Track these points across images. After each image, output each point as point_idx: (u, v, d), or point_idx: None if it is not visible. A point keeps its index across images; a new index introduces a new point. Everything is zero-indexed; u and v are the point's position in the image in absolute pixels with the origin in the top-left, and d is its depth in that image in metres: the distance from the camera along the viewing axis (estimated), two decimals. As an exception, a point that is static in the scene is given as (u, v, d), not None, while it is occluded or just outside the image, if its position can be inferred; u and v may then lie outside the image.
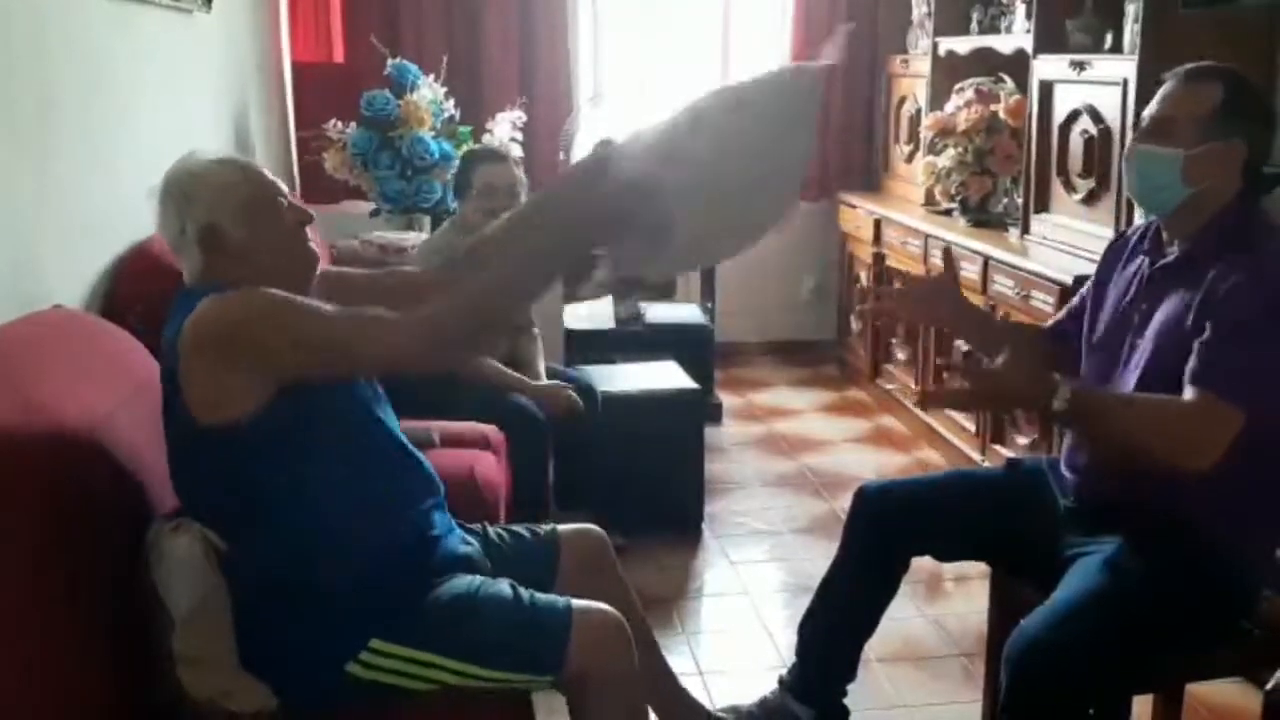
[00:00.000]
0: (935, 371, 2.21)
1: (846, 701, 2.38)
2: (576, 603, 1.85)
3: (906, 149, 5.11)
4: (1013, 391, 1.96)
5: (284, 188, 1.88)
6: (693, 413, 3.67)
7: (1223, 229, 1.97)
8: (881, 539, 2.28)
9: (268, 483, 1.72)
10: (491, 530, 2.11)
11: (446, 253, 3.26)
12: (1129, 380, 2.01)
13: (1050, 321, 2.39)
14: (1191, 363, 1.87)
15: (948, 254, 2.35)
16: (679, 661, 2.84)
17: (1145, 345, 2.00)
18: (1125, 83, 3.23)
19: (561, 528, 2.18)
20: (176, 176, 1.83)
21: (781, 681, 2.42)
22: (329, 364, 1.73)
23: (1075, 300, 2.30)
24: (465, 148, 4.20)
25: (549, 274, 1.83)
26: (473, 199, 3.26)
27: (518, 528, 2.15)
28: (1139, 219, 2.17)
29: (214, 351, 1.67)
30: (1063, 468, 2.15)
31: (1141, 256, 2.10)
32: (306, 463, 1.74)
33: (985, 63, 4.43)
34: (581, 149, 4.52)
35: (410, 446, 1.96)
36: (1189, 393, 1.86)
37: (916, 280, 2.30)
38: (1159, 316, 1.99)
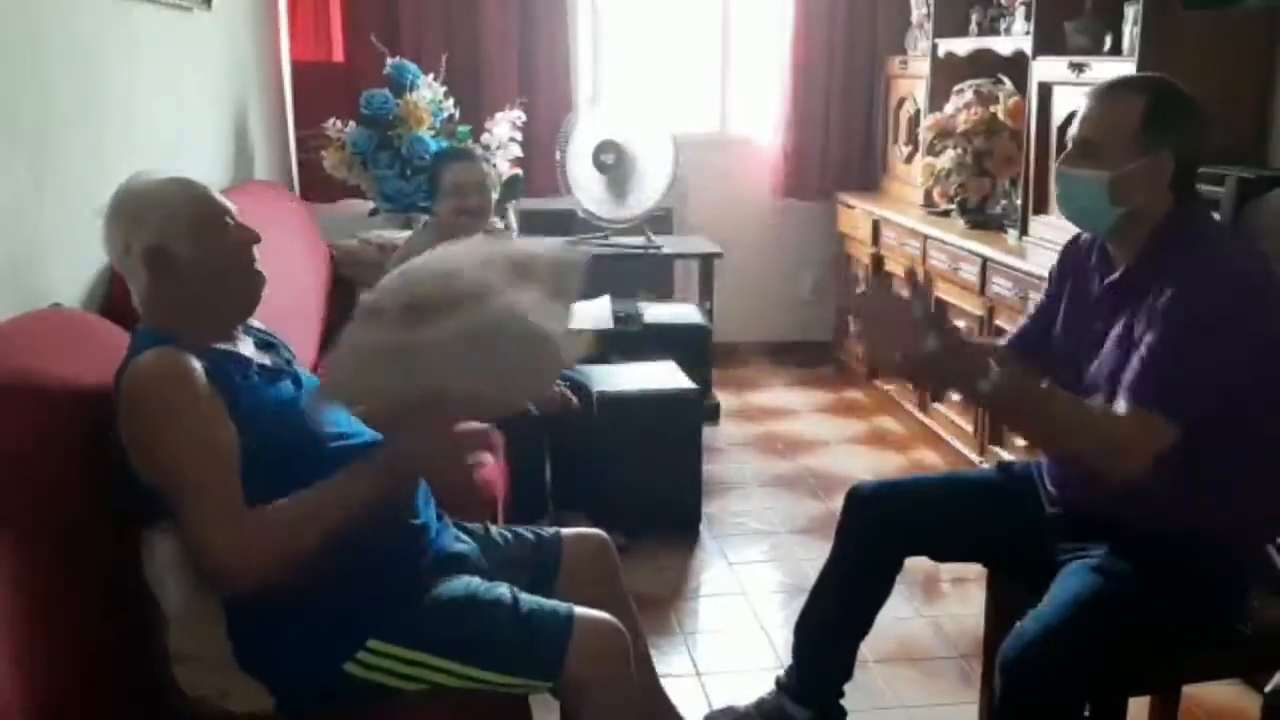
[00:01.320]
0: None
1: (843, 702, 2.39)
2: (578, 610, 1.85)
3: (905, 150, 5.11)
4: (948, 371, 1.89)
5: (232, 208, 1.89)
6: (690, 413, 3.67)
7: (1163, 243, 1.94)
8: (875, 539, 2.27)
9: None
10: (494, 530, 2.11)
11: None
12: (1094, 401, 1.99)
13: (1006, 338, 2.33)
14: (1127, 375, 1.86)
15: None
16: (677, 662, 2.85)
17: (1102, 367, 1.97)
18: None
19: (565, 531, 2.18)
20: (123, 197, 1.84)
21: (778, 682, 2.42)
22: (167, 493, 1.68)
23: (1032, 310, 2.26)
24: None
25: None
26: (444, 199, 3.28)
27: (521, 529, 2.15)
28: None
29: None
30: (1045, 477, 2.15)
31: (1093, 273, 2.07)
32: (268, 488, 1.73)
33: (984, 64, 4.43)
34: (577, 148, 4.51)
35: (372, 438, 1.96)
36: (1121, 404, 1.85)
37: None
38: (1111, 338, 1.97)
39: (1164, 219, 1.95)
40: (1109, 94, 1.97)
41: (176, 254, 1.80)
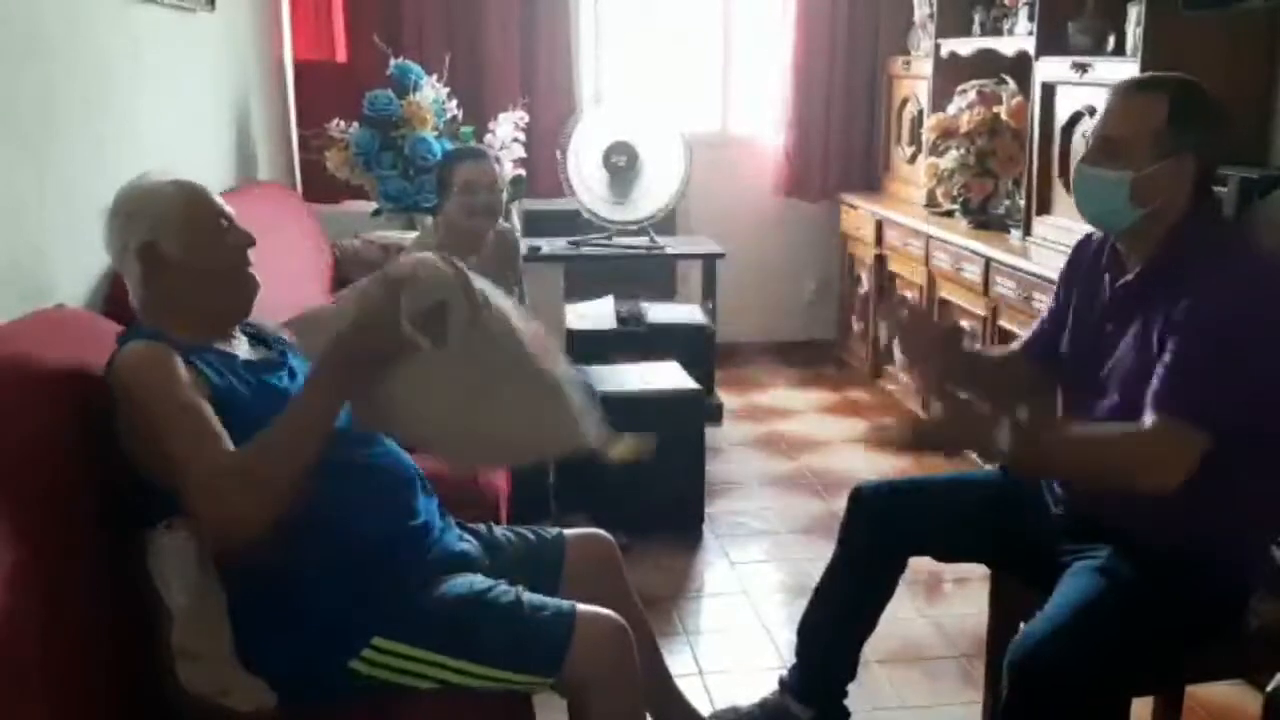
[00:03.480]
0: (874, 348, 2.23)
1: (846, 703, 2.38)
2: (581, 607, 1.86)
3: (908, 150, 5.11)
4: (952, 439, 1.93)
5: (228, 210, 1.90)
6: (693, 413, 3.68)
7: (1179, 246, 1.92)
8: (878, 539, 2.27)
9: None
10: (497, 530, 2.12)
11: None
12: (1106, 406, 1.98)
13: (1020, 342, 2.33)
14: (1152, 385, 1.84)
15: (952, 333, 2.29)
16: (679, 661, 2.84)
17: (1117, 370, 1.97)
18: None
19: (568, 531, 2.18)
20: (121, 196, 1.87)
21: (782, 682, 2.42)
22: (160, 470, 1.68)
23: (1045, 314, 2.24)
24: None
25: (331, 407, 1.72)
26: (454, 197, 3.27)
27: (523, 530, 2.15)
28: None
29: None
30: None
31: (1103, 274, 2.05)
32: None
33: (987, 64, 4.43)
34: (582, 149, 4.51)
35: (385, 442, 1.97)
36: (1148, 417, 1.83)
37: (922, 320, 2.25)
38: (1126, 340, 1.96)
39: (1180, 221, 1.93)
40: (1132, 92, 1.95)
41: (167, 253, 1.83)
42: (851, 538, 2.31)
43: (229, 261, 1.88)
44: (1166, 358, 1.84)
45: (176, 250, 1.83)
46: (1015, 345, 2.36)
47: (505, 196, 3.48)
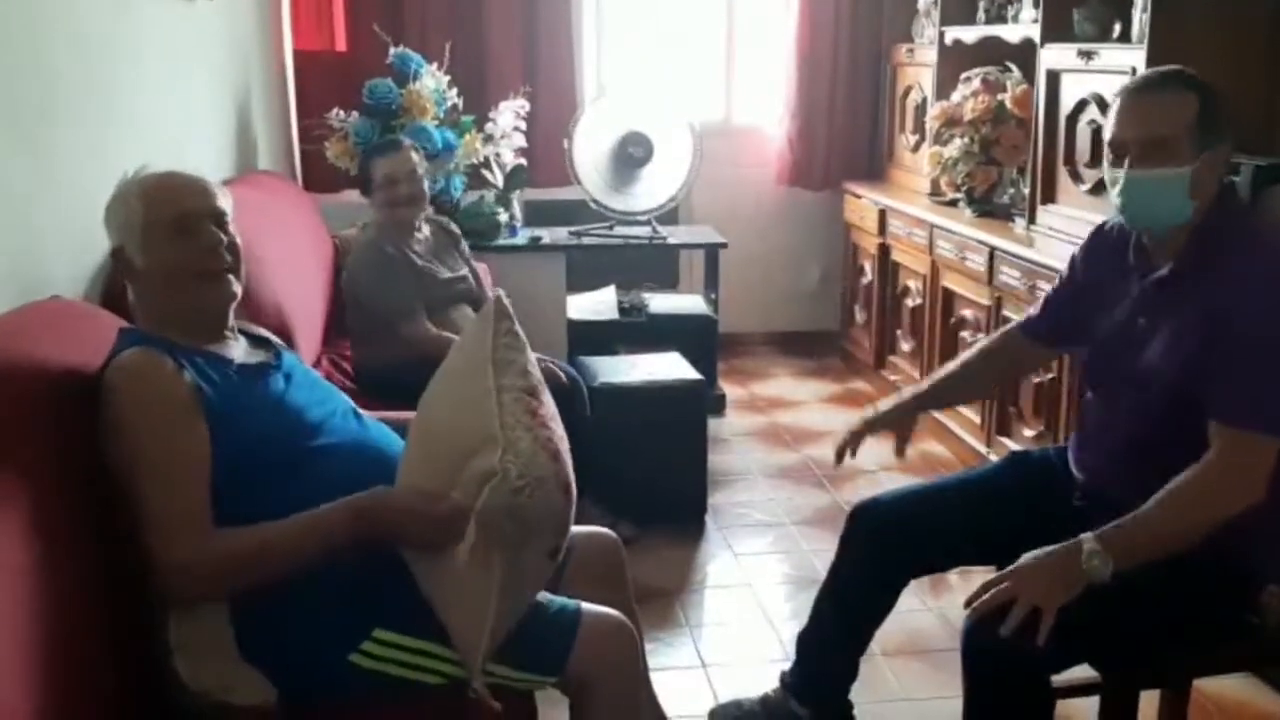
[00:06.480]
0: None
1: (850, 696, 2.37)
2: (586, 606, 1.85)
3: (912, 139, 5.08)
4: (1046, 579, 1.80)
5: (213, 209, 1.85)
6: (696, 404, 3.66)
7: (1209, 238, 1.91)
8: (879, 558, 2.22)
9: (233, 510, 1.72)
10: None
11: (384, 263, 3.24)
12: (1142, 401, 1.96)
13: (1024, 318, 2.29)
14: (1213, 398, 1.83)
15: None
16: (682, 654, 2.83)
17: (1152, 366, 1.94)
18: (1133, 72, 3.20)
19: (573, 528, 2.16)
20: (109, 199, 1.85)
21: (783, 680, 2.40)
22: (130, 495, 1.68)
23: (1052, 293, 2.22)
24: (468, 136, 4.19)
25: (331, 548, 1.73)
26: (375, 192, 3.29)
27: None
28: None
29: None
30: (1072, 467, 2.12)
31: (1130, 270, 2.03)
32: (248, 485, 1.74)
33: (992, 52, 4.40)
34: (591, 138, 4.47)
35: (371, 436, 1.95)
36: (1212, 434, 1.82)
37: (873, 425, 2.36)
38: (1161, 337, 1.94)
39: (1208, 212, 1.91)
40: (1158, 90, 1.91)
41: (131, 258, 1.82)
42: (852, 555, 2.27)
43: (195, 266, 1.83)
44: (1218, 367, 1.83)
45: (138, 257, 1.81)
46: (1010, 326, 2.35)
47: (428, 182, 3.45)
